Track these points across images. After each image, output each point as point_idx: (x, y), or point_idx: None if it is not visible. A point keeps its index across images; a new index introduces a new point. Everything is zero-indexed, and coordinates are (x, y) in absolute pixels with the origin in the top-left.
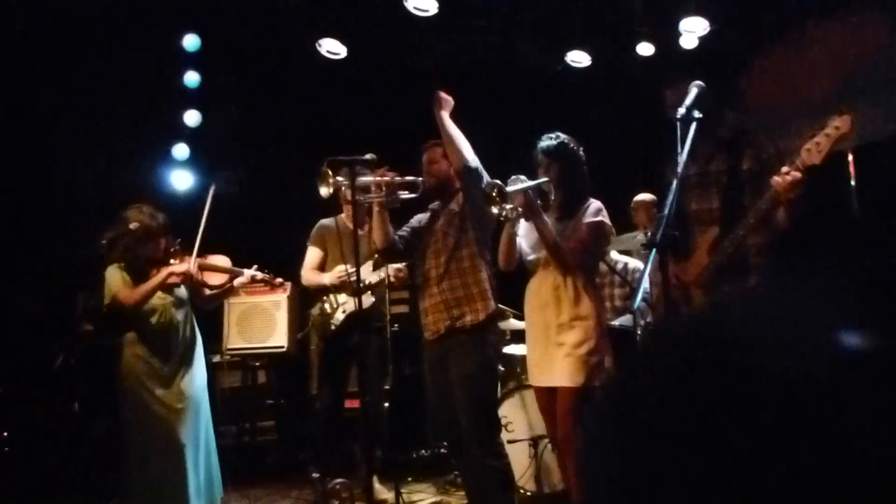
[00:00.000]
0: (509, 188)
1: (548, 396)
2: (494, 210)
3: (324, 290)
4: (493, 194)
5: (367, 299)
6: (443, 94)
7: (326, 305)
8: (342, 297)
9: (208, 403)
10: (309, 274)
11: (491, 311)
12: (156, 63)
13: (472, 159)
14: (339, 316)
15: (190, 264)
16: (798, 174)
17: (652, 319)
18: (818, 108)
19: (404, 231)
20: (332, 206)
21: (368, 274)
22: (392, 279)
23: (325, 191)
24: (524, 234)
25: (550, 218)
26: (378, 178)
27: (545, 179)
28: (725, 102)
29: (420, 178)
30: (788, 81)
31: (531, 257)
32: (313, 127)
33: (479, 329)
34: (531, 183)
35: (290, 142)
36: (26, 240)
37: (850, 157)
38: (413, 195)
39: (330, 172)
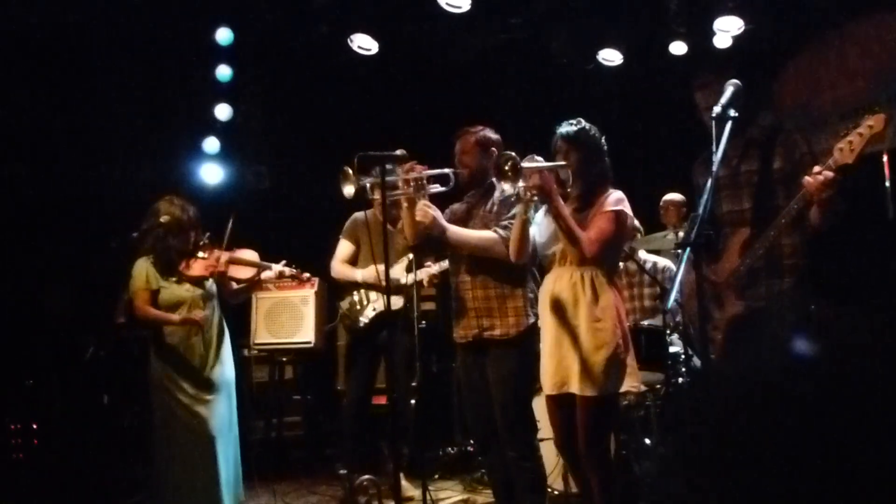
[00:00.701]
0: (524, 164)
1: (555, 404)
2: (506, 187)
3: (354, 284)
4: (506, 168)
5: (398, 300)
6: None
7: (357, 300)
8: (373, 295)
9: (235, 399)
10: (340, 266)
11: (524, 328)
12: (188, 57)
13: (500, 244)
14: (370, 313)
15: (220, 254)
16: (830, 174)
17: (681, 320)
18: (854, 109)
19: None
20: (363, 200)
21: (401, 274)
22: (425, 283)
23: (348, 190)
24: (539, 227)
25: (568, 209)
26: (405, 175)
27: (563, 163)
28: (759, 102)
29: (451, 171)
30: (824, 81)
31: (547, 252)
32: (344, 122)
33: (512, 339)
34: (548, 164)
35: (320, 137)
36: (59, 232)
37: (885, 158)
38: (444, 188)
39: (351, 171)
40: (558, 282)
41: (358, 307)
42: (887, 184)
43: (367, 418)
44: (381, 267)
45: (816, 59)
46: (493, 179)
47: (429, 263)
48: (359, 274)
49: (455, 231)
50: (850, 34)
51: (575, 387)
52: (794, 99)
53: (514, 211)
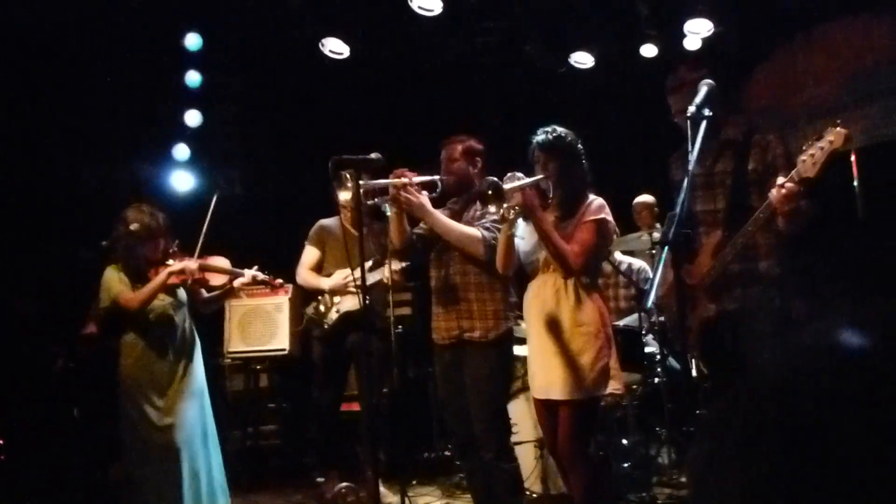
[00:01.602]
0: (506, 186)
1: (543, 408)
2: (492, 209)
3: (319, 291)
4: (490, 193)
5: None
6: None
7: (321, 306)
8: (336, 297)
9: (210, 408)
10: (306, 274)
11: (502, 331)
12: (157, 62)
13: (481, 243)
14: (333, 315)
15: (190, 261)
16: (793, 186)
17: (657, 320)
18: (822, 111)
19: (420, 229)
20: (332, 207)
21: (368, 277)
22: (389, 280)
23: (344, 195)
24: (523, 236)
25: (550, 217)
26: (395, 181)
27: (542, 176)
28: (730, 104)
29: (439, 177)
30: (792, 84)
31: (531, 259)
32: (316, 127)
33: (491, 342)
34: (528, 180)
35: (291, 142)
36: (26, 241)
37: (853, 158)
38: (432, 194)
39: (349, 176)
40: (542, 288)
41: (323, 310)
42: (856, 183)
43: (338, 425)
44: (348, 272)
45: (785, 61)
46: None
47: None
48: (325, 282)
49: (440, 218)
50: (817, 37)
51: (560, 391)
52: (762, 101)
53: (496, 216)
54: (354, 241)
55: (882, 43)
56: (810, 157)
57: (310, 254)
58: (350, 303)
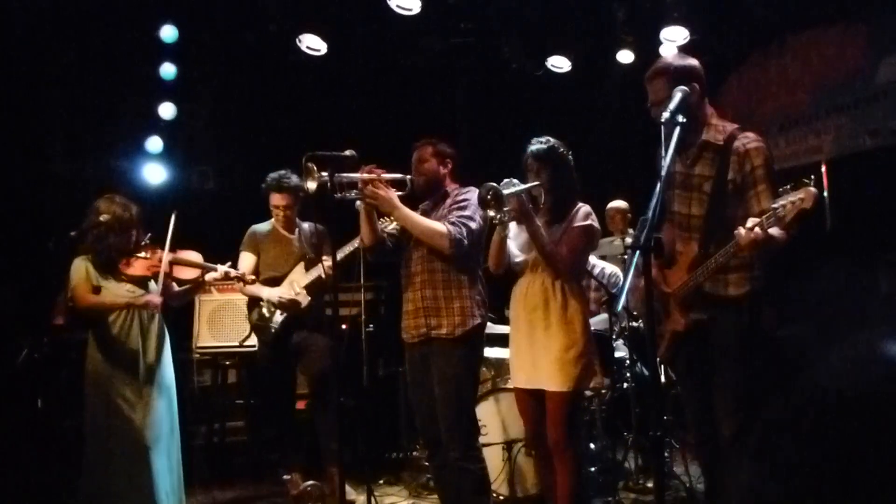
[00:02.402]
0: (505, 192)
1: (530, 399)
2: (491, 213)
3: (259, 297)
4: (489, 198)
5: (304, 299)
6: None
7: (265, 310)
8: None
9: (176, 403)
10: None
11: (469, 327)
12: (132, 54)
13: (446, 237)
14: (278, 318)
15: (154, 297)
16: (761, 234)
17: (627, 325)
18: (794, 119)
19: (393, 229)
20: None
21: (301, 276)
22: (324, 276)
23: (311, 185)
24: (513, 237)
25: (540, 221)
26: (364, 176)
27: (536, 183)
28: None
29: (408, 176)
30: (766, 92)
31: (519, 259)
32: (290, 123)
33: (458, 338)
34: (524, 186)
35: (266, 137)
36: None
37: (824, 169)
38: (401, 193)
39: (315, 167)
40: (530, 286)
41: (267, 315)
42: (826, 194)
43: (294, 424)
44: (291, 287)
45: (758, 70)
46: (448, 189)
47: (324, 259)
48: (265, 292)
49: (407, 213)
50: (790, 47)
51: (549, 383)
52: (736, 108)
53: (467, 212)
54: (287, 242)
55: (853, 54)
56: (782, 208)
57: (246, 259)
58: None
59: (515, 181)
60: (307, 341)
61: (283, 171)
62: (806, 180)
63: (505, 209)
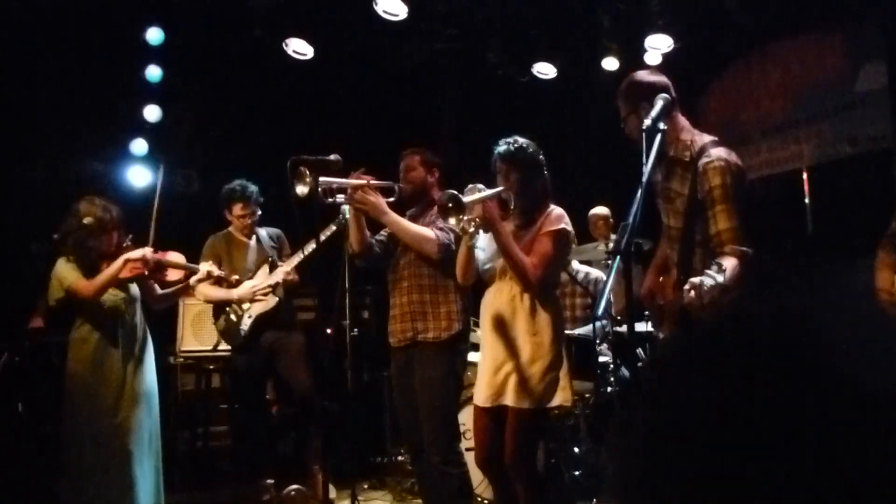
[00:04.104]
0: (465, 198)
1: (487, 419)
2: (452, 222)
3: (226, 301)
4: (449, 205)
5: (272, 299)
6: (363, 182)
7: (232, 315)
8: (245, 305)
9: (157, 409)
10: (208, 289)
11: (455, 332)
12: (117, 56)
13: (434, 242)
14: (247, 321)
15: (145, 249)
16: (695, 300)
17: (610, 329)
18: (775, 126)
19: (381, 235)
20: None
21: (266, 278)
22: (287, 279)
23: (301, 189)
24: (484, 247)
25: (510, 226)
26: (353, 181)
27: (500, 189)
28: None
29: (397, 185)
30: (747, 99)
31: (487, 266)
32: (276, 127)
33: (443, 343)
34: (489, 192)
35: (251, 141)
36: None
37: (805, 176)
38: (389, 199)
39: (307, 171)
40: (498, 295)
41: (235, 319)
42: (807, 200)
43: (272, 429)
44: (254, 282)
45: (741, 77)
46: (434, 197)
47: (281, 263)
48: (234, 293)
49: (395, 218)
50: (772, 55)
51: (510, 398)
52: (718, 115)
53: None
54: (247, 248)
55: (833, 63)
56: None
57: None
58: (259, 306)
59: (481, 186)
60: (281, 342)
61: (241, 181)
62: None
63: (467, 217)
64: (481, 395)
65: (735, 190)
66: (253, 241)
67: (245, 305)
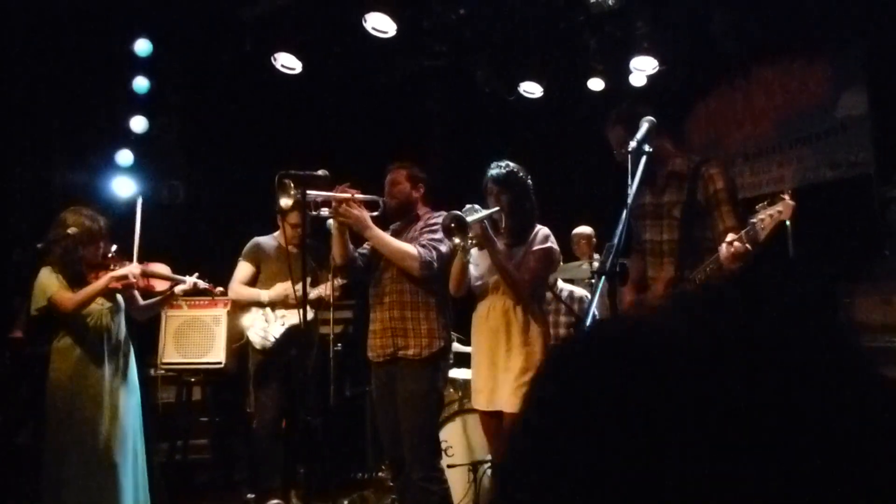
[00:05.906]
0: (468, 218)
1: (493, 421)
2: (456, 241)
3: (255, 304)
4: (453, 226)
5: (308, 314)
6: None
7: (263, 318)
8: (280, 311)
9: (140, 420)
10: (240, 288)
11: (436, 349)
12: (105, 66)
13: (416, 259)
14: (279, 328)
15: (131, 267)
16: (741, 247)
17: None
18: (758, 150)
19: (365, 249)
20: (273, 220)
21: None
22: (330, 297)
23: (285, 202)
24: (474, 260)
25: (501, 245)
26: (338, 195)
27: (497, 209)
28: (678, 138)
29: (381, 199)
30: (731, 122)
31: (479, 282)
32: (263, 140)
33: (425, 360)
34: (486, 212)
35: (238, 154)
36: None
37: (787, 196)
38: (373, 214)
39: (291, 184)
40: (492, 309)
41: (265, 324)
42: (788, 223)
43: (281, 440)
44: (288, 284)
45: (725, 100)
46: (419, 212)
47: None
48: (264, 294)
49: (378, 233)
50: (756, 79)
51: (506, 404)
52: (702, 138)
53: (437, 236)
54: (294, 257)
55: (815, 88)
56: (761, 222)
57: (244, 269)
58: (296, 317)
59: (478, 207)
60: (299, 360)
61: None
62: (783, 195)
63: (469, 236)
64: (481, 400)
65: (735, 193)
66: (296, 251)
67: (280, 312)
